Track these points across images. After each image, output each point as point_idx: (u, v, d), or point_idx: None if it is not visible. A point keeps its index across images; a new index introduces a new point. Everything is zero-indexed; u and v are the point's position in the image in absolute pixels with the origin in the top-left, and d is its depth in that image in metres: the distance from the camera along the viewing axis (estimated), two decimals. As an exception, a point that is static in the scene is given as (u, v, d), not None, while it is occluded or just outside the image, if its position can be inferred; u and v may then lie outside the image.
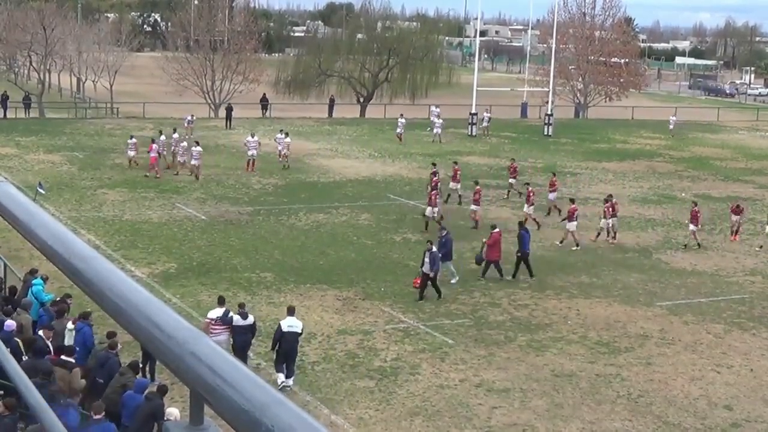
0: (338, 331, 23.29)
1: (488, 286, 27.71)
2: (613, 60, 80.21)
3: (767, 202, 43.34)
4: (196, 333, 1.92)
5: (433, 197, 34.49)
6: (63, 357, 15.88)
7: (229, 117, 61.77)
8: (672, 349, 23.16)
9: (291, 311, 20.26)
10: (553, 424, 18.50)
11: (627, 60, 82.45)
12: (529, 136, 64.42)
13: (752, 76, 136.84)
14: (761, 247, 33.93)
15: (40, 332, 17.08)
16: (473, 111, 64.29)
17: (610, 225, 33.98)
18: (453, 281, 27.34)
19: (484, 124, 64.03)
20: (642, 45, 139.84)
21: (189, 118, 56.45)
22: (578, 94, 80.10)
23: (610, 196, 35.48)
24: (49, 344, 16.55)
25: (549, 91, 70.53)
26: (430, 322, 24.26)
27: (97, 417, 13.57)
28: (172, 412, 13.87)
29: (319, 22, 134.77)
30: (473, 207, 35.35)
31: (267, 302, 25.26)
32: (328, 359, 21.39)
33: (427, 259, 25.89)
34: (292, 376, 19.76)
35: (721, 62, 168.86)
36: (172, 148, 44.35)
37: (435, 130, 59.31)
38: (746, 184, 48.65)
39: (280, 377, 19.45)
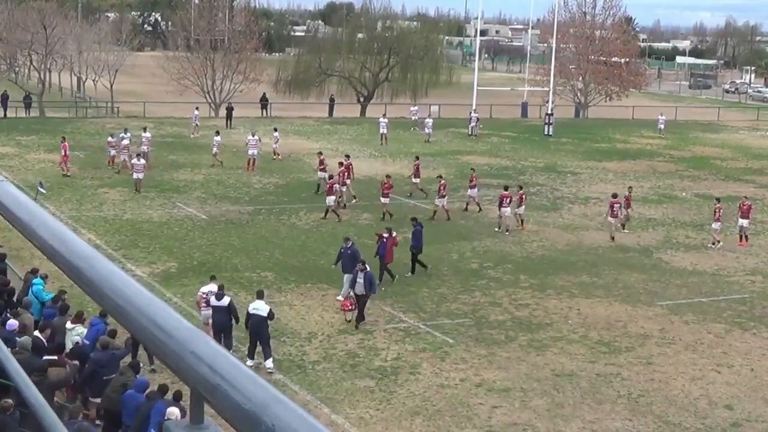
0: (339, 330, 23.30)
1: (489, 286, 27.72)
2: (613, 59, 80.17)
3: (767, 201, 43.36)
4: (196, 332, 1.92)
5: (330, 186, 35.31)
6: (51, 356, 15.91)
7: (229, 116, 61.77)
8: (672, 348, 23.16)
9: (260, 295, 20.88)
10: (553, 424, 18.51)
11: (627, 59, 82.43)
12: (530, 135, 64.40)
13: (752, 75, 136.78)
14: (714, 244, 33.87)
15: (35, 332, 17.10)
16: (473, 111, 64.32)
17: (621, 219, 34.88)
18: (339, 297, 25.07)
19: (472, 124, 63.59)
20: (642, 44, 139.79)
21: (196, 113, 56.95)
22: (579, 94, 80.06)
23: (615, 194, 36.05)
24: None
25: (549, 91, 70.53)
26: (430, 321, 24.26)
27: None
28: (173, 411, 13.86)
29: (320, 21, 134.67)
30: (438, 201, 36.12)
31: (268, 302, 25.14)
32: (328, 359, 21.40)
33: (360, 280, 23.39)
34: (270, 358, 20.34)
35: (722, 62, 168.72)
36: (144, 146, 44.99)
37: (427, 130, 59.05)
38: (747, 183, 48.62)
39: (249, 361, 20.00)
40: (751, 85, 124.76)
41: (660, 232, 36.00)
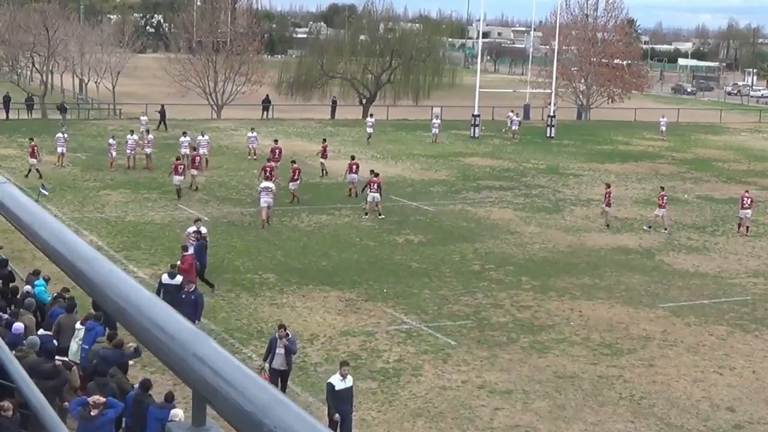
0: (341, 332, 23.30)
1: (490, 288, 27.71)
2: (615, 61, 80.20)
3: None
4: (199, 334, 1.92)
5: (178, 166, 38.17)
6: (58, 357, 15.96)
7: (163, 119, 60.19)
8: (674, 350, 23.15)
9: (343, 369, 18.00)
10: (555, 426, 18.50)
11: (629, 61, 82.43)
12: (532, 137, 64.37)
13: (754, 77, 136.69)
14: (650, 227, 36.10)
15: (41, 330, 17.12)
16: (476, 112, 64.36)
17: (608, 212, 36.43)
18: None
19: (514, 127, 63.77)
20: (644, 46, 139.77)
21: (143, 118, 56.08)
22: (580, 96, 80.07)
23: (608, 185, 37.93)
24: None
25: (551, 93, 70.54)
26: (432, 323, 24.26)
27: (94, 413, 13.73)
28: (177, 413, 13.88)
29: (322, 23, 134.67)
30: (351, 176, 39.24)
31: (269, 303, 25.27)
32: (330, 360, 21.38)
33: (280, 350, 18.51)
34: None
35: (724, 64, 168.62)
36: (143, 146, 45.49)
37: (434, 131, 59.45)
38: (749, 185, 48.49)
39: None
40: (753, 87, 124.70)
41: (662, 234, 35.97)
